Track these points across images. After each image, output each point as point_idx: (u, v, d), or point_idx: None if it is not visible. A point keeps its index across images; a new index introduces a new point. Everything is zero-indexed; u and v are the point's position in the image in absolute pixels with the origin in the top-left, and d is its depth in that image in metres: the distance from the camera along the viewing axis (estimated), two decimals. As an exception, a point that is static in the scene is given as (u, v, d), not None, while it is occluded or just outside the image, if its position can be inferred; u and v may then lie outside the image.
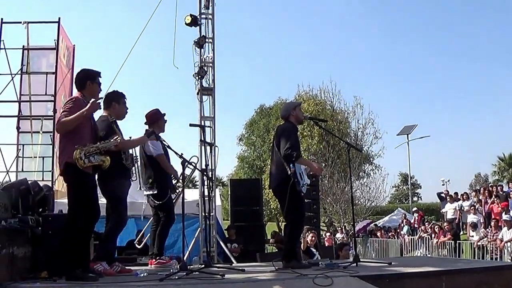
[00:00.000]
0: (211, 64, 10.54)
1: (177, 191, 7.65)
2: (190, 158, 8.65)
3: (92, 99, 5.48)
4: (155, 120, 7.26)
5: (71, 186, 5.51)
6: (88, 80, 5.71)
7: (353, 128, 30.08)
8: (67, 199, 5.57)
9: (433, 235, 17.49)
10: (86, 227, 5.48)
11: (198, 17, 10.47)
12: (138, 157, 6.92)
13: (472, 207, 18.27)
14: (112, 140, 5.67)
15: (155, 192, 7.13)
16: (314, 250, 10.24)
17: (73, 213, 5.40)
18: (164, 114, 7.34)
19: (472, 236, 16.44)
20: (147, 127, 7.15)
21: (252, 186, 13.31)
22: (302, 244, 10.18)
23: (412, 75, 75.38)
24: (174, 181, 7.42)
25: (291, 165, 6.35)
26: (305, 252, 9.79)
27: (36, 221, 6.10)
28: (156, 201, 7.19)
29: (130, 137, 6.36)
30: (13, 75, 11.45)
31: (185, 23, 10.31)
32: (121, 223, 6.34)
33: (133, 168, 6.51)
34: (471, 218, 17.56)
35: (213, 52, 10.59)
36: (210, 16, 10.72)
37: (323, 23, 73.00)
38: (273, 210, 33.41)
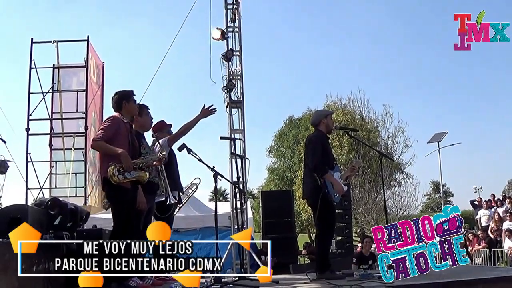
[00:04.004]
0: (239, 77, 10.55)
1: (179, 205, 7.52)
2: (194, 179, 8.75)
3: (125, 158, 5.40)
4: (158, 128, 7.08)
5: (110, 202, 5.66)
6: (123, 100, 5.79)
7: (383, 137, 29.86)
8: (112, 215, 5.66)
9: (467, 243, 17.16)
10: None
11: (225, 30, 10.53)
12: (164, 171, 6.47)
13: (508, 214, 17.84)
14: (152, 156, 5.77)
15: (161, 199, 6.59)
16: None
17: (115, 228, 5.50)
18: (170, 125, 7.23)
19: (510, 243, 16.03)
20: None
21: (283, 197, 13.20)
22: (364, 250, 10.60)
23: (441, 82, 74.66)
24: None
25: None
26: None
27: (71, 237, 6.16)
28: (159, 214, 6.67)
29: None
30: (44, 94, 11.68)
31: (212, 37, 10.37)
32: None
33: (161, 182, 6.36)
34: (507, 225, 17.17)
35: (241, 65, 10.61)
36: (237, 30, 10.76)
37: (350, 33, 72.91)
38: (304, 222, 33.29)
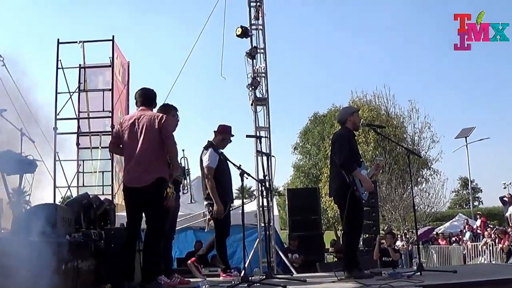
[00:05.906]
0: (263, 75, 10.53)
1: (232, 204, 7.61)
2: None
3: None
4: (221, 132, 7.33)
5: (155, 201, 5.54)
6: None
7: (409, 133, 29.62)
8: (148, 213, 5.59)
9: (497, 241, 16.89)
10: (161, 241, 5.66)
11: (249, 28, 10.50)
12: (190, 170, 6.82)
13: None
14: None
15: (211, 202, 6.98)
16: None
17: (155, 227, 5.50)
18: (233, 135, 7.42)
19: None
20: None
21: (309, 195, 13.18)
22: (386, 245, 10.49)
23: (467, 76, 73.47)
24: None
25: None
26: None
27: (99, 235, 6.20)
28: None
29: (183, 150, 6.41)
30: (71, 93, 11.73)
31: (236, 35, 10.36)
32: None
33: (185, 181, 6.43)
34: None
35: (265, 62, 10.58)
36: (261, 27, 10.73)
37: (375, 28, 72.15)
38: (330, 219, 33.19)
